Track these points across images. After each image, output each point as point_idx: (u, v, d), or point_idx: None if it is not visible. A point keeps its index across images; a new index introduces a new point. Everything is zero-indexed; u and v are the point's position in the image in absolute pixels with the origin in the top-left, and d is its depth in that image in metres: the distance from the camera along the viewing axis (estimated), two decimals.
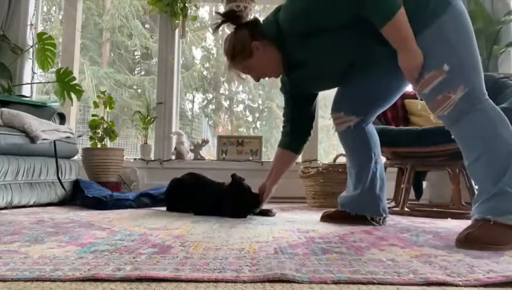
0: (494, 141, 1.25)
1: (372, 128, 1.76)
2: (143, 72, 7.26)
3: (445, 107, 1.32)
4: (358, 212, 1.70)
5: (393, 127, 2.45)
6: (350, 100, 1.71)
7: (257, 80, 1.71)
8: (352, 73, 1.63)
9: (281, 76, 1.77)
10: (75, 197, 2.64)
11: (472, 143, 1.29)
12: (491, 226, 1.16)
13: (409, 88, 1.72)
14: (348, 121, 1.70)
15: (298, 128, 1.87)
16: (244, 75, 1.73)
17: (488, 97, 1.31)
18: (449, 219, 1.97)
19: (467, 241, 1.13)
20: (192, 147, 3.49)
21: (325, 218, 1.79)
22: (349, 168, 1.77)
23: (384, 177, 1.75)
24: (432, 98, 1.35)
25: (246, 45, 1.59)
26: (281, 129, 1.94)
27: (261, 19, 1.71)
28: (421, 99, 1.44)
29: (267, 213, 2.03)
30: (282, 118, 1.94)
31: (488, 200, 1.21)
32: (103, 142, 3.19)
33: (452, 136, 1.37)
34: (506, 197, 1.19)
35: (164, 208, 2.34)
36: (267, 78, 1.78)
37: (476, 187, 1.31)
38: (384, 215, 1.70)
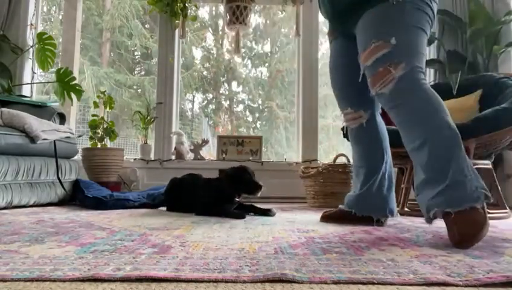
0: (437, 128, 1.27)
1: (381, 123, 1.75)
2: (143, 72, 7.25)
3: (384, 82, 1.34)
4: (365, 213, 1.67)
5: (394, 127, 2.44)
6: (351, 93, 1.70)
7: None
8: (342, 62, 1.71)
9: None
10: (75, 197, 2.64)
11: (415, 129, 1.31)
12: (462, 216, 1.17)
13: None
14: (358, 117, 1.68)
15: None
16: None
17: (426, 82, 1.35)
18: None
19: (463, 242, 1.13)
20: (192, 147, 3.49)
21: (325, 218, 1.78)
22: (358, 167, 1.74)
23: (393, 177, 1.73)
24: (374, 70, 1.38)
25: None
26: None
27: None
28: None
29: (266, 213, 2.02)
30: None
31: (443, 192, 1.22)
32: (103, 142, 3.19)
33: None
34: (459, 186, 1.20)
35: (164, 208, 2.34)
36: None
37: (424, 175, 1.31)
38: (390, 216, 1.69)
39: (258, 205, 2.10)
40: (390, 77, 1.33)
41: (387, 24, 1.38)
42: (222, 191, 2.02)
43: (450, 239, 1.19)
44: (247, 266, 0.86)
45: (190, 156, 3.48)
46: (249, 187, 1.98)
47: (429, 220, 1.30)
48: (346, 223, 1.67)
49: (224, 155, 3.50)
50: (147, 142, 3.46)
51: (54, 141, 2.53)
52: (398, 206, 2.42)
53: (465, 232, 1.14)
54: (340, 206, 1.79)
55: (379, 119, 1.74)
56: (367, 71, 1.43)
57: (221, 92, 6.60)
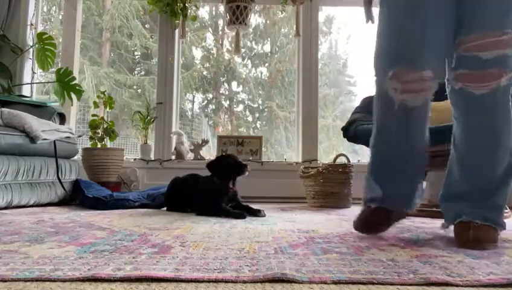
0: (505, 150, 1.22)
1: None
2: (143, 72, 7.26)
3: (487, 86, 1.13)
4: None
5: None
6: (440, 45, 1.18)
7: None
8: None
9: None
10: (75, 197, 2.64)
11: (485, 144, 1.22)
12: (481, 227, 1.19)
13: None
14: (430, 87, 1.22)
15: None
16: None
17: None
18: None
19: (475, 242, 1.13)
20: (192, 147, 3.49)
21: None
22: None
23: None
24: (485, 67, 1.12)
25: None
26: None
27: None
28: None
29: (257, 213, 2.00)
30: None
31: (480, 208, 1.23)
32: (103, 142, 3.19)
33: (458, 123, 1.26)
34: (497, 210, 1.24)
35: (164, 208, 2.34)
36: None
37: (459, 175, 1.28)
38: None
39: (254, 206, 2.09)
40: (496, 83, 1.12)
41: None
42: (216, 185, 2.06)
43: (459, 239, 1.20)
44: (247, 266, 0.86)
45: (190, 156, 3.48)
46: (236, 169, 2.07)
47: (446, 226, 1.29)
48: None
49: None
50: (147, 142, 3.46)
51: (54, 141, 2.53)
52: None
53: (482, 238, 1.14)
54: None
55: None
56: (471, 61, 1.13)
57: (221, 92, 6.60)
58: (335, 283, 0.75)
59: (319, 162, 3.40)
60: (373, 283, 0.75)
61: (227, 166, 2.08)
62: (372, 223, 1.35)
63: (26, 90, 3.40)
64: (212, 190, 2.05)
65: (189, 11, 3.53)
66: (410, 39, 1.18)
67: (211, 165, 2.15)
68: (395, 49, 1.22)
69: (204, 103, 6.93)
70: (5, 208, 2.21)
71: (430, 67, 1.17)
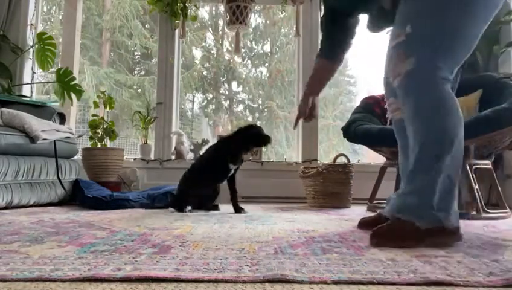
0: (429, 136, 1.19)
1: None
2: (143, 72, 7.26)
3: (398, 75, 1.23)
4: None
5: (390, 127, 2.44)
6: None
7: None
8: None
9: None
10: (75, 197, 2.64)
11: (412, 131, 1.23)
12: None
13: None
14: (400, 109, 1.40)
15: (334, 42, 1.75)
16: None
17: (445, 82, 1.19)
18: None
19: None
20: (192, 147, 3.49)
21: (363, 225, 1.53)
22: (401, 164, 1.57)
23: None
24: (391, 54, 1.27)
25: None
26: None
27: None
28: None
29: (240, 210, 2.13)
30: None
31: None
32: (103, 142, 3.19)
33: None
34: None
35: (164, 209, 2.33)
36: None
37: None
38: None
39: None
40: (401, 68, 1.22)
41: (409, 9, 1.28)
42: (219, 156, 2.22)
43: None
44: (247, 266, 0.86)
45: (190, 156, 3.48)
46: (258, 139, 2.32)
47: None
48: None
49: None
50: (147, 142, 3.46)
51: (54, 141, 2.53)
52: None
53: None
54: (380, 211, 1.54)
55: None
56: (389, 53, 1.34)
57: (221, 92, 6.61)
58: (335, 283, 0.75)
59: (319, 162, 3.40)
60: (373, 283, 0.75)
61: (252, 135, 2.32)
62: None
63: (26, 90, 3.40)
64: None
65: (189, 11, 3.52)
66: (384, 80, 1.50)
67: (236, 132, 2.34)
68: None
69: (204, 103, 6.94)
70: (5, 208, 2.21)
71: (393, 96, 1.49)
